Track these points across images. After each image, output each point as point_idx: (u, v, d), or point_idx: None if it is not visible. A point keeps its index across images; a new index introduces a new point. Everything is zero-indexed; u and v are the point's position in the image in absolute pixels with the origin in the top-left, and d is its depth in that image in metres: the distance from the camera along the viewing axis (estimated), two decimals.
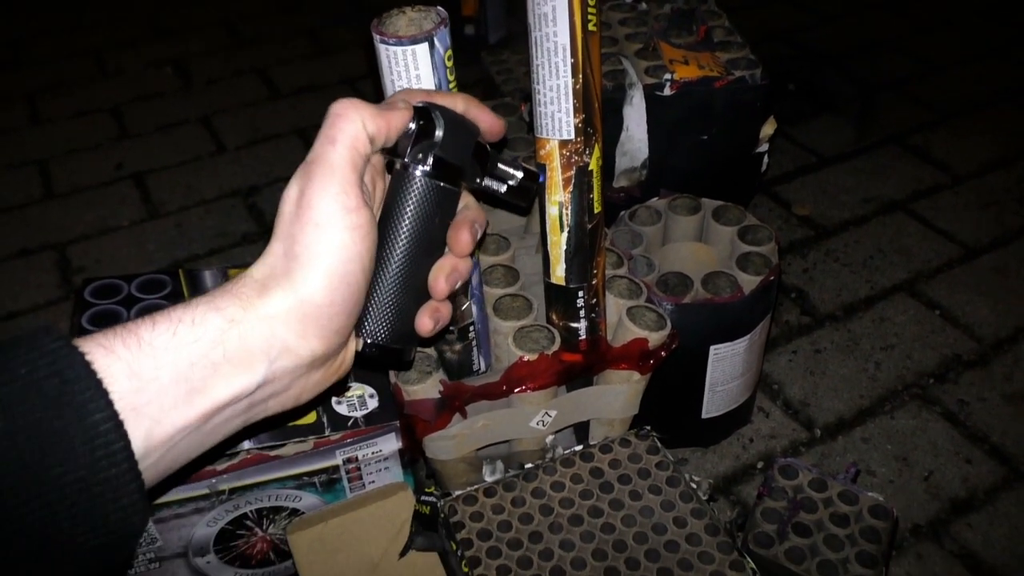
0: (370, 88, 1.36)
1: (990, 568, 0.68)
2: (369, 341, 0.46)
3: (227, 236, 1.06)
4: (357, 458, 0.57)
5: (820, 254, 1.00)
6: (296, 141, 1.24)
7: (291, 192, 0.42)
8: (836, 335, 0.89)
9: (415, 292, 0.47)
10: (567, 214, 0.54)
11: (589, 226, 0.54)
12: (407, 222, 0.45)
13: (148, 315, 0.38)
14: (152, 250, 1.04)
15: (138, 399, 0.35)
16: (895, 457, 0.76)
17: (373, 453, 0.57)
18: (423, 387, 0.56)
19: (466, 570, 0.53)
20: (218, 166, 1.20)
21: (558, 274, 0.56)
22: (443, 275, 0.47)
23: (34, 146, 1.25)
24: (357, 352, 0.46)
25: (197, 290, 0.65)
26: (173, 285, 0.66)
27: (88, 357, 0.34)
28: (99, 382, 0.34)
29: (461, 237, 0.47)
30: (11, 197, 1.14)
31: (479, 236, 0.49)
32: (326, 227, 0.41)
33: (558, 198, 0.54)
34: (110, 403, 0.34)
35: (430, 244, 0.47)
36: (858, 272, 0.97)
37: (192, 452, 0.39)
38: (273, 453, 0.55)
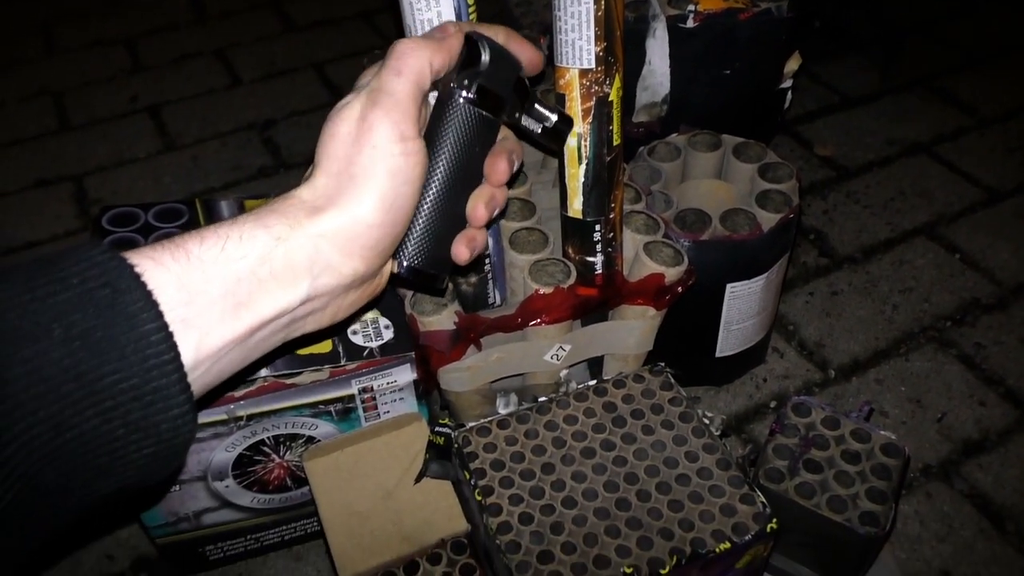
0: (386, 23, 1.34)
1: (999, 508, 0.68)
2: (406, 264, 0.47)
3: (243, 169, 1.06)
4: (372, 388, 0.58)
5: (841, 195, 0.99)
6: (312, 75, 1.23)
7: (350, 114, 0.43)
8: (854, 277, 0.89)
9: (452, 220, 0.48)
10: (586, 146, 0.53)
11: (608, 159, 0.54)
12: (448, 149, 0.46)
13: (195, 231, 0.38)
14: (168, 182, 1.04)
15: (187, 311, 0.36)
16: (908, 399, 0.76)
17: (388, 383, 0.58)
18: (438, 318, 0.56)
19: (479, 498, 0.54)
20: (233, 99, 1.19)
21: (575, 207, 0.55)
22: (482, 202, 0.49)
23: (49, 77, 1.25)
24: (392, 274, 0.47)
25: (213, 219, 0.65)
26: (190, 214, 0.66)
27: (137, 269, 0.35)
28: (149, 293, 0.34)
29: (499, 166, 0.49)
30: (27, 128, 1.14)
31: (516, 167, 0.49)
32: (384, 151, 0.42)
33: (577, 129, 0.53)
34: (160, 314, 0.34)
35: (469, 173, 0.48)
36: (879, 214, 0.96)
37: (235, 367, 0.40)
38: (289, 381, 0.55)
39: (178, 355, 0.35)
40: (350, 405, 0.58)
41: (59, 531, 0.35)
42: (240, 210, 0.67)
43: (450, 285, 0.59)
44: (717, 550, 0.51)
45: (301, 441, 0.58)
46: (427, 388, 0.59)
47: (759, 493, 0.54)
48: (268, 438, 0.57)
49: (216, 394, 0.53)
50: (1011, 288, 0.86)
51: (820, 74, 1.18)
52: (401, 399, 0.59)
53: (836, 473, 0.57)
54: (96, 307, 0.33)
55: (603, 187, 0.54)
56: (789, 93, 0.87)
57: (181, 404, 0.35)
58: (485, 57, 0.45)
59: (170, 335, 0.35)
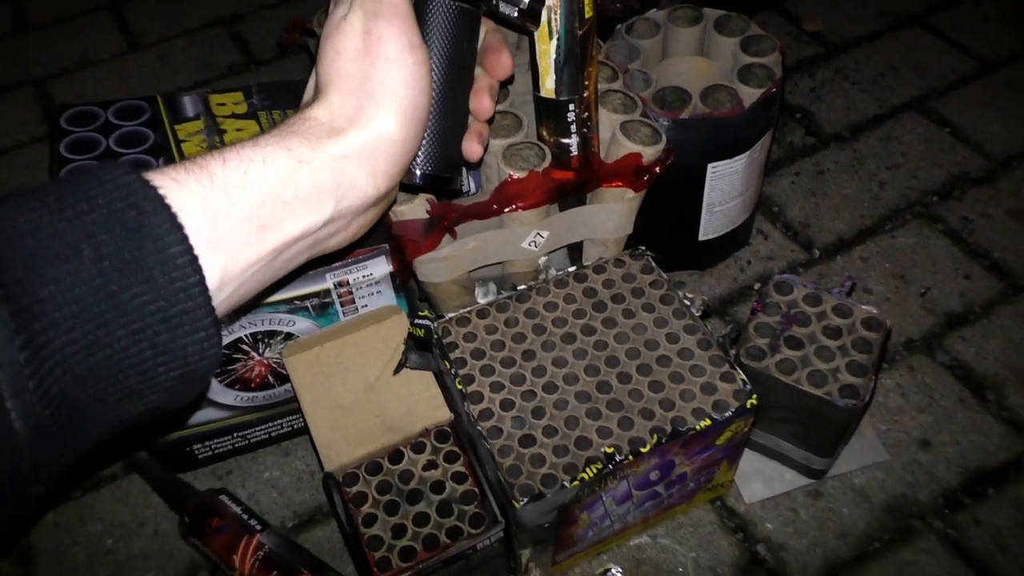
0: None
1: (980, 378, 0.69)
2: (419, 172, 0.48)
3: (212, 68, 1.02)
4: (348, 282, 0.57)
5: (829, 72, 0.96)
6: None
7: (352, 28, 0.43)
8: (841, 155, 0.87)
9: (457, 119, 0.50)
10: (555, 19, 0.51)
11: (580, 32, 0.51)
12: (440, 48, 0.47)
13: (216, 152, 0.38)
14: (135, 84, 1.00)
15: (212, 234, 0.36)
16: (893, 275, 0.76)
17: (364, 276, 0.57)
18: (410, 207, 0.55)
19: (460, 388, 0.54)
20: None
21: (547, 86, 0.53)
22: (486, 94, 0.50)
23: None
24: (404, 183, 0.48)
25: (177, 116, 0.63)
26: (152, 111, 0.63)
27: (161, 191, 0.34)
28: (174, 216, 0.34)
29: (501, 59, 0.50)
30: None
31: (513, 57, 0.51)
32: (397, 62, 0.43)
33: (547, 2, 0.50)
34: (185, 237, 0.34)
35: (463, 69, 0.49)
36: (868, 90, 0.93)
37: (259, 287, 0.40)
38: None
39: (203, 278, 0.35)
40: (326, 300, 0.57)
41: (91, 449, 0.35)
42: (204, 105, 0.64)
43: None
44: (697, 427, 0.51)
45: (280, 338, 0.58)
46: (403, 280, 0.59)
47: (739, 371, 0.54)
48: (246, 336, 0.57)
49: (239, 313, 0.54)
50: (1000, 160, 0.85)
51: None
52: (378, 292, 0.59)
53: (817, 348, 0.57)
54: (123, 228, 0.33)
55: (576, 64, 0.52)
56: None
57: (207, 327, 0.35)
58: None
59: (195, 258, 0.34)
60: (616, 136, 0.57)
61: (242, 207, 0.37)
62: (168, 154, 0.60)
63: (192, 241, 0.34)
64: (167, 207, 0.34)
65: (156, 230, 0.34)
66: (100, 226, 0.33)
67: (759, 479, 0.63)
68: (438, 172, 0.49)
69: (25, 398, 0.30)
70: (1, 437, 0.30)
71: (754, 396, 0.52)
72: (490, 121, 0.53)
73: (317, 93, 0.44)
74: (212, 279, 0.36)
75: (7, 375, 0.30)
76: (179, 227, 0.34)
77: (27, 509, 0.34)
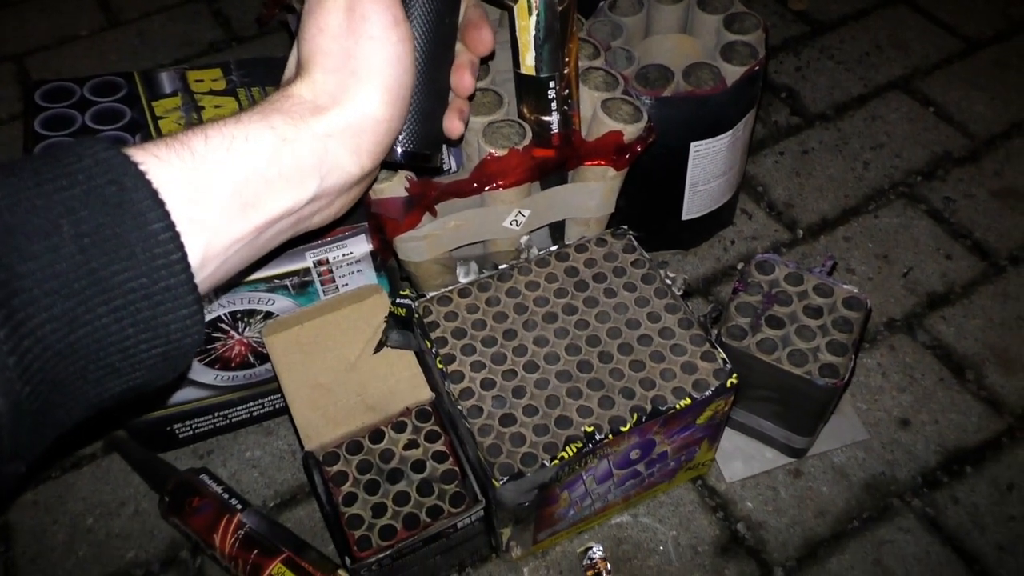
0: None
1: (960, 357, 0.69)
2: (401, 149, 0.48)
3: (193, 45, 1.01)
4: (328, 260, 0.56)
5: (814, 51, 0.95)
6: None
7: (335, 4, 0.42)
8: (826, 135, 0.87)
9: (437, 96, 0.49)
10: None
11: (560, 8, 0.51)
12: (421, 24, 0.46)
13: (197, 128, 0.38)
14: (114, 60, 0.99)
15: (194, 211, 0.35)
16: (876, 255, 0.76)
17: (344, 255, 0.57)
18: (389, 185, 0.54)
19: (441, 367, 0.54)
20: None
21: (527, 63, 0.53)
22: (467, 71, 0.50)
23: None
24: (385, 161, 0.47)
25: (154, 93, 0.62)
26: (128, 88, 0.62)
27: (143, 167, 0.34)
28: (155, 192, 0.34)
29: (482, 35, 0.50)
30: None
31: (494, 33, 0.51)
32: (382, 40, 0.42)
33: None
34: (167, 213, 0.34)
35: (445, 46, 0.49)
36: (853, 69, 0.93)
37: (241, 265, 0.40)
38: None
39: (185, 255, 0.34)
40: (306, 279, 0.57)
41: (72, 427, 0.35)
42: (182, 82, 0.63)
43: None
44: (677, 406, 0.51)
45: (259, 317, 0.58)
46: (384, 258, 0.58)
47: (719, 350, 0.54)
48: (225, 315, 0.56)
49: (220, 291, 0.54)
50: (983, 140, 0.85)
51: None
52: (359, 271, 0.58)
53: (798, 328, 0.57)
54: (104, 204, 0.33)
55: (556, 40, 0.52)
56: None
57: (189, 304, 0.35)
58: None
59: (177, 235, 0.34)
60: (597, 114, 0.57)
61: (225, 184, 0.37)
62: (145, 131, 0.59)
63: (174, 218, 0.34)
64: (148, 183, 0.34)
65: (137, 206, 0.33)
66: (80, 202, 0.32)
67: (739, 458, 0.64)
68: (419, 149, 0.49)
69: (5, 375, 0.30)
70: None
71: (734, 375, 0.52)
72: (471, 98, 0.53)
73: (299, 70, 0.43)
74: (194, 256, 0.35)
75: None
76: (161, 203, 0.34)
77: (7, 487, 0.34)
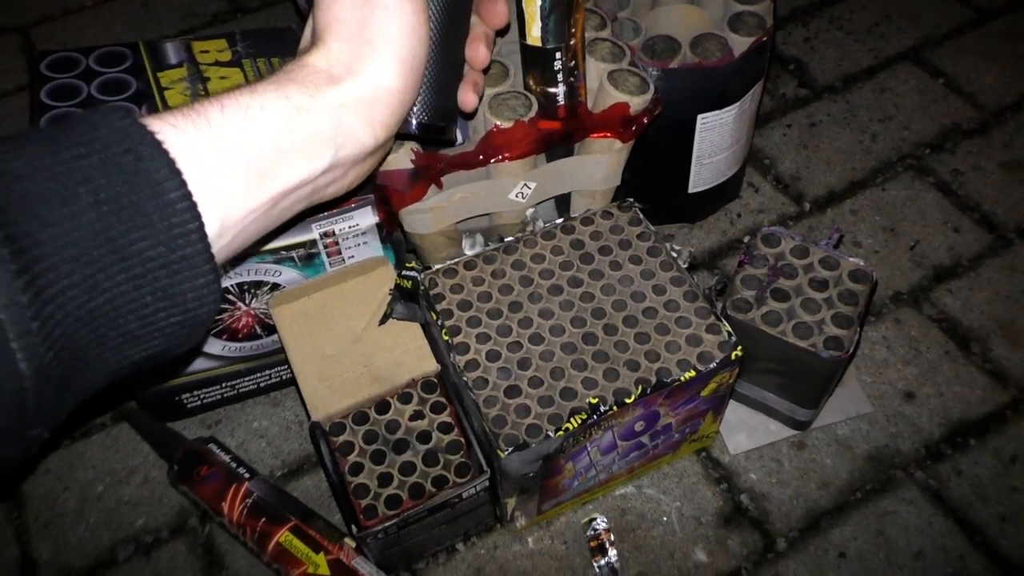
0: None
1: (966, 330, 0.69)
2: (415, 121, 0.48)
3: (197, 16, 1.00)
4: (334, 232, 0.56)
5: (823, 22, 0.94)
6: None
7: None
8: (834, 107, 0.86)
9: (452, 68, 0.50)
10: None
11: None
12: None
13: (213, 98, 0.38)
14: (119, 32, 0.99)
15: (211, 181, 0.36)
16: (882, 228, 0.76)
17: (350, 227, 0.57)
18: (395, 157, 0.54)
19: (447, 338, 0.54)
20: None
21: (533, 34, 0.52)
22: (482, 43, 0.50)
23: None
24: (399, 133, 0.47)
25: (160, 64, 0.62)
26: (134, 58, 0.62)
27: (159, 136, 0.34)
28: (172, 161, 0.34)
29: (497, 7, 0.49)
30: None
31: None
32: (396, 11, 0.42)
33: None
34: (183, 182, 0.34)
35: (460, 17, 0.49)
36: (862, 40, 0.92)
37: (256, 235, 0.40)
38: None
39: (202, 224, 0.34)
40: (313, 251, 0.57)
41: (91, 394, 0.36)
42: (188, 53, 0.63)
43: None
44: (682, 379, 0.52)
45: (266, 288, 0.58)
46: (390, 231, 0.58)
47: (725, 322, 0.54)
48: (232, 286, 0.56)
49: (236, 261, 0.54)
50: (993, 112, 0.84)
51: None
52: (365, 243, 0.58)
53: (803, 301, 0.57)
54: (121, 173, 0.33)
55: (562, 11, 0.51)
56: None
57: (206, 274, 0.35)
58: None
59: (194, 204, 0.34)
60: (604, 85, 0.57)
61: (241, 154, 0.37)
62: (151, 102, 0.59)
63: (190, 187, 0.34)
64: (165, 152, 0.34)
65: (154, 175, 0.33)
66: (97, 170, 0.33)
67: (743, 430, 0.64)
68: (434, 121, 0.49)
69: (29, 339, 0.30)
70: (7, 378, 0.30)
71: (739, 348, 0.52)
72: (486, 71, 0.52)
73: (314, 39, 0.43)
74: (211, 226, 0.35)
75: (11, 316, 0.30)
76: (177, 172, 0.34)
77: (31, 451, 0.34)
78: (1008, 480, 0.61)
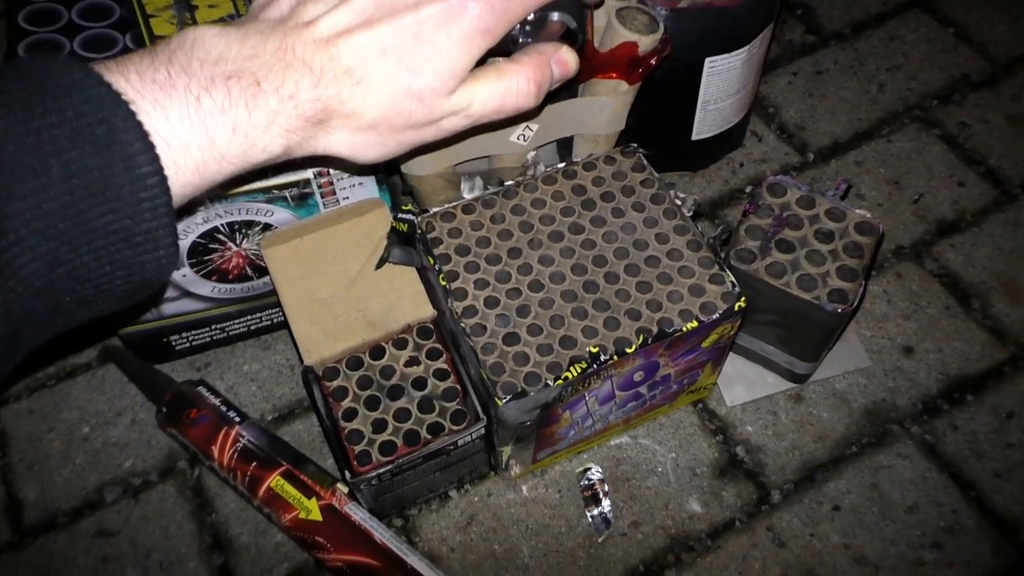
0: None
1: (967, 286, 0.68)
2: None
3: None
4: (329, 172, 0.54)
5: None
6: None
7: None
8: (841, 55, 0.84)
9: None
10: None
11: None
12: None
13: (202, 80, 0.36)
14: None
15: (186, 157, 0.35)
16: (887, 180, 0.75)
17: None
18: None
19: (444, 284, 0.53)
20: None
21: None
22: None
23: None
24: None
25: (148, 16, 0.59)
26: (121, 12, 0.59)
27: (133, 107, 0.33)
28: (146, 134, 0.33)
29: None
30: None
31: None
32: None
33: None
34: (156, 157, 0.33)
35: None
36: None
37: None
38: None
39: (171, 199, 0.35)
40: (306, 190, 0.55)
41: (35, 350, 0.36)
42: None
43: None
44: (684, 329, 0.51)
45: (258, 228, 0.56)
46: (388, 172, 0.56)
47: (728, 273, 0.53)
48: (222, 225, 0.55)
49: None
50: (1003, 63, 0.82)
51: None
52: (360, 184, 0.57)
53: (808, 252, 0.56)
54: (93, 145, 0.32)
55: None
56: None
57: (168, 246, 0.35)
58: None
59: (165, 179, 0.34)
60: (611, 23, 0.54)
61: (223, 132, 0.36)
62: (135, 30, 0.57)
63: (163, 162, 0.34)
64: (139, 124, 0.33)
65: (127, 148, 0.33)
66: (68, 140, 0.32)
67: (742, 383, 0.63)
68: None
69: None
70: None
71: (743, 299, 0.51)
72: None
73: None
74: (177, 197, 0.35)
75: None
76: (151, 146, 0.33)
77: None
78: (1004, 436, 0.61)
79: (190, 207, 0.41)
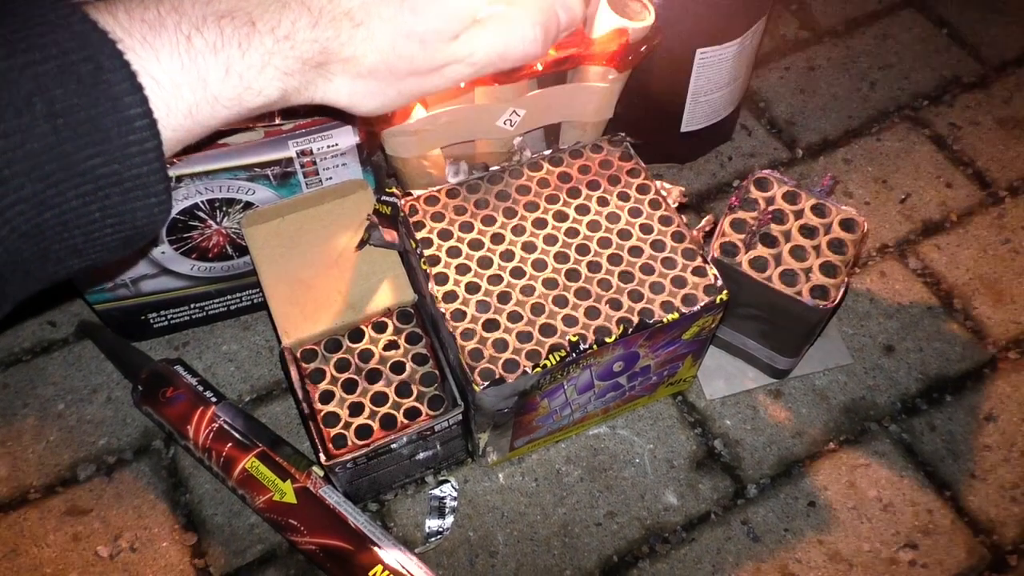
0: None
1: (949, 286, 0.68)
2: None
3: None
4: (312, 151, 0.54)
5: None
6: None
7: None
8: (834, 51, 0.84)
9: None
10: None
11: None
12: None
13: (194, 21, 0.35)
14: None
15: (178, 99, 0.34)
16: (875, 179, 0.74)
17: (329, 147, 0.54)
18: None
19: (425, 268, 0.52)
20: None
21: None
22: None
23: None
24: None
25: None
26: None
27: (120, 46, 0.32)
28: (134, 75, 0.32)
29: None
30: None
31: None
32: None
33: None
34: (145, 99, 0.32)
35: None
36: None
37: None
38: (221, 141, 0.51)
39: (160, 143, 0.33)
40: (289, 169, 0.54)
41: (26, 300, 0.35)
42: None
43: None
44: (665, 320, 0.50)
45: (239, 207, 0.55)
46: (370, 152, 0.56)
47: (711, 265, 0.52)
48: (202, 202, 0.54)
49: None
50: (994, 66, 0.82)
51: None
52: (344, 164, 0.56)
53: (792, 247, 0.56)
54: (79, 84, 0.31)
55: None
56: None
57: (159, 193, 0.34)
58: None
59: (154, 122, 0.32)
60: (603, 8, 0.54)
61: (216, 72, 0.35)
62: None
63: (152, 104, 0.32)
64: (127, 64, 0.32)
65: (115, 88, 0.31)
66: (53, 79, 0.30)
67: (721, 376, 0.63)
68: None
69: None
70: None
71: (725, 292, 0.51)
72: None
73: None
74: (167, 146, 0.34)
75: None
76: (139, 87, 0.32)
77: None
78: (981, 438, 0.61)
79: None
